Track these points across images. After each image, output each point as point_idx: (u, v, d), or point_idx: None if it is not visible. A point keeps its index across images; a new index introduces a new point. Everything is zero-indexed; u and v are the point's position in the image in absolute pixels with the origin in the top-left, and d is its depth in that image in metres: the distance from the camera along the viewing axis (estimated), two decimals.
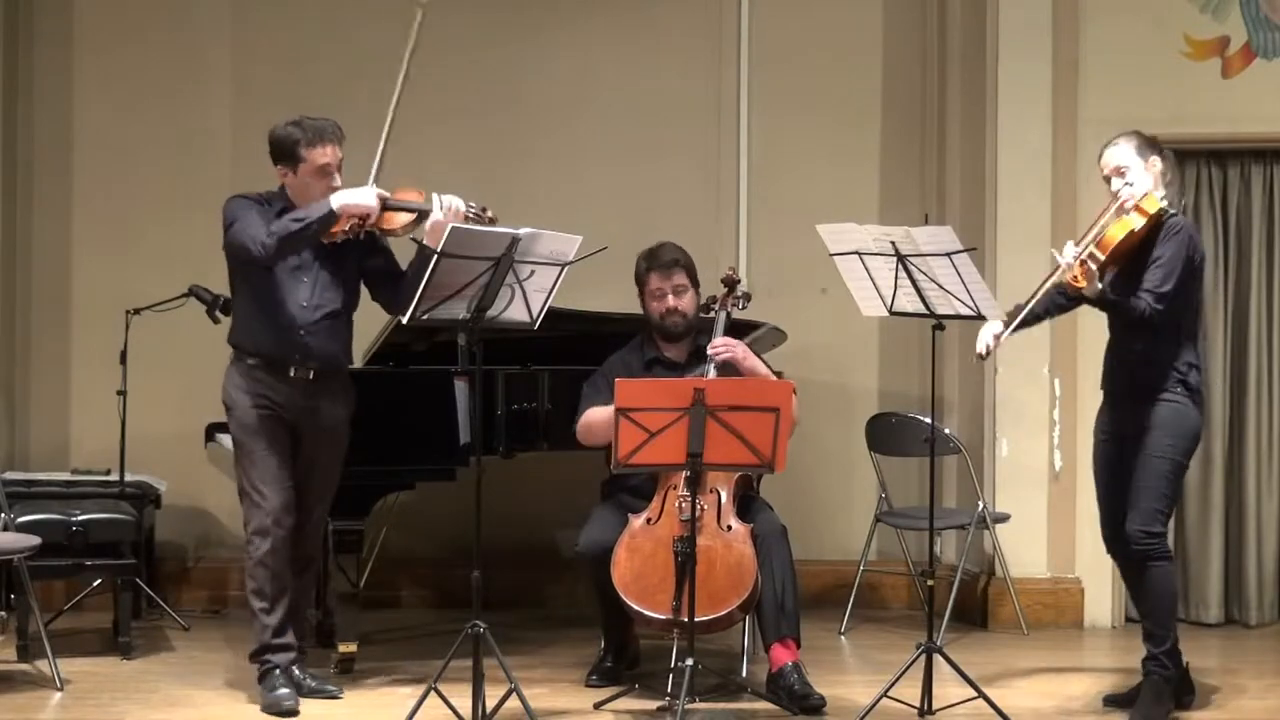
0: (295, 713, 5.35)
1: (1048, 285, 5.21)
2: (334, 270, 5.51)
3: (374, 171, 5.43)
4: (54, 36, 7.48)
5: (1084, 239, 5.23)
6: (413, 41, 5.41)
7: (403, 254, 5.61)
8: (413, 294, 5.13)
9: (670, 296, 5.79)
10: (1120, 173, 5.32)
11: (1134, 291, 5.18)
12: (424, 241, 5.33)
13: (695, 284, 5.84)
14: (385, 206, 5.38)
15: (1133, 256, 5.22)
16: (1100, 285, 5.14)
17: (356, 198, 5.33)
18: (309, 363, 5.46)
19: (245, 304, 5.54)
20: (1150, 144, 5.37)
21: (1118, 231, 5.16)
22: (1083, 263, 5.08)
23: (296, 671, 5.54)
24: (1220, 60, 7.02)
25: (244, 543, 5.51)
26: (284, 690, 5.40)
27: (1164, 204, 5.24)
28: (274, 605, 5.46)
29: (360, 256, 5.56)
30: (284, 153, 5.45)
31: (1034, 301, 5.23)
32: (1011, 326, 5.25)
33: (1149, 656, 5.34)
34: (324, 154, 5.41)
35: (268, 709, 5.38)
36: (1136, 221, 5.17)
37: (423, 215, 5.37)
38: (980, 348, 5.35)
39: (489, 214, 5.37)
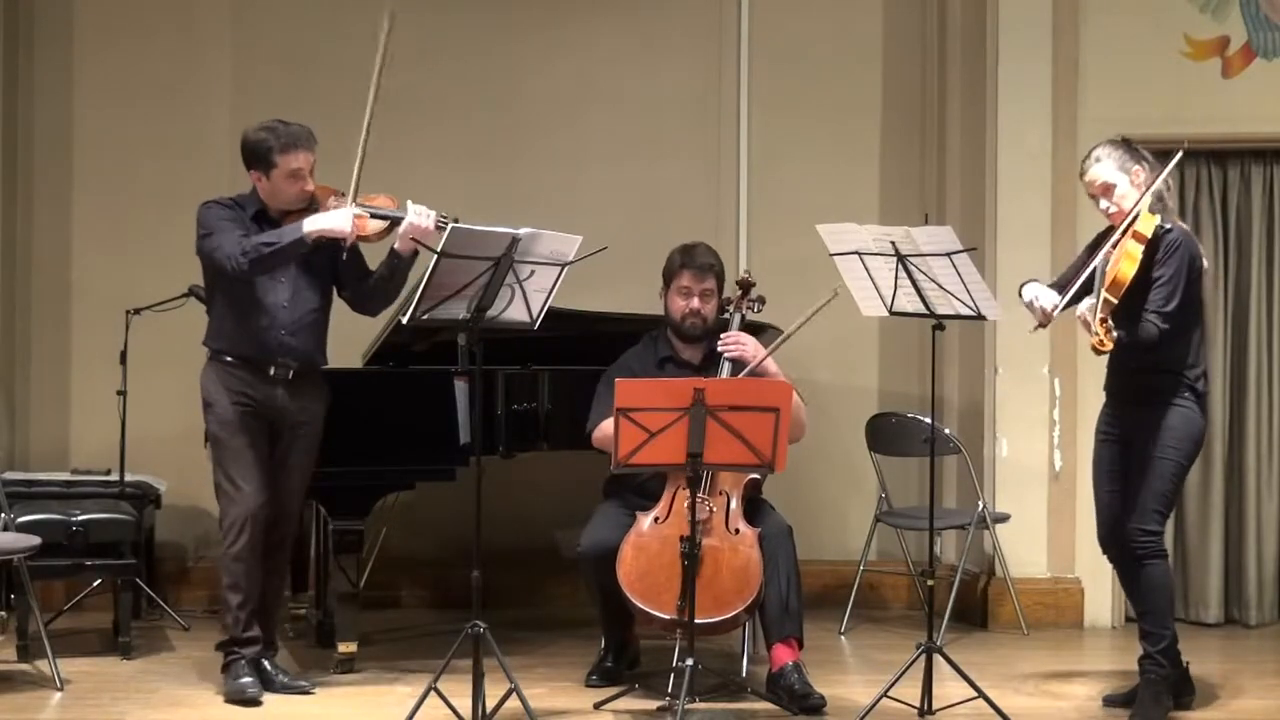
0: (259, 701, 5.44)
1: (1095, 266, 5.12)
2: (309, 270, 5.59)
3: (353, 187, 5.42)
4: (54, 36, 7.48)
5: (1096, 296, 5.09)
6: (381, 52, 5.29)
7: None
8: (380, 294, 5.60)
9: (696, 299, 5.76)
10: (1107, 191, 5.27)
11: (1136, 311, 5.12)
12: (395, 246, 5.48)
13: (720, 293, 5.83)
14: (360, 214, 5.42)
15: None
16: (1115, 335, 5.00)
17: (330, 222, 5.40)
18: (289, 362, 5.54)
19: (224, 307, 5.59)
20: (1131, 153, 5.30)
21: (1127, 269, 5.04)
22: (1103, 320, 4.92)
23: (267, 666, 5.62)
24: (1220, 60, 7.01)
25: (219, 538, 5.57)
26: (248, 679, 5.49)
27: (1158, 219, 5.16)
28: (247, 599, 5.53)
29: (334, 255, 5.61)
30: (257, 158, 5.52)
31: (1081, 281, 5.16)
32: (1064, 301, 5.18)
33: (1145, 656, 5.34)
34: (296, 159, 5.47)
35: (231, 697, 5.46)
36: (1138, 250, 5.07)
37: (395, 222, 5.43)
38: (1038, 316, 5.25)
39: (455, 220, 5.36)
